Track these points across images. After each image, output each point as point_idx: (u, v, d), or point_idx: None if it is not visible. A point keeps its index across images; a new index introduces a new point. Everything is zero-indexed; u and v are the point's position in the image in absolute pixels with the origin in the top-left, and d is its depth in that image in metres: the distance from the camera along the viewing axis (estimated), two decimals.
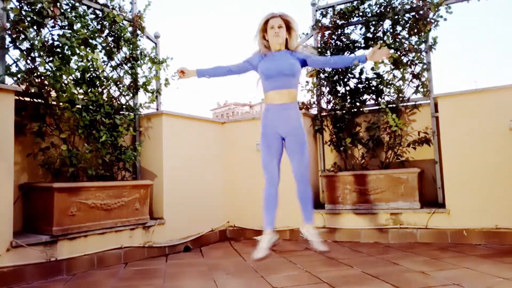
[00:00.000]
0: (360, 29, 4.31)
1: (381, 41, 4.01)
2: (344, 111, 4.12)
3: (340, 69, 4.22)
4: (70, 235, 2.96)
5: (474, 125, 3.50)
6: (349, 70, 4.23)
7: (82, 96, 3.32)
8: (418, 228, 3.63)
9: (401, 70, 4.01)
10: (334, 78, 4.29)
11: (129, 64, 3.78)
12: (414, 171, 3.66)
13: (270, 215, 2.75)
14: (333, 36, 4.36)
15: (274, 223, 2.75)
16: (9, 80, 2.96)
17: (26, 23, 2.95)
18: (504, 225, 3.32)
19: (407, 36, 4.04)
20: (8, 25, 2.93)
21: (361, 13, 4.27)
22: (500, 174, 3.37)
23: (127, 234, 3.39)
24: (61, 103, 3.05)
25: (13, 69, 2.96)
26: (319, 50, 4.35)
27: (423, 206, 3.71)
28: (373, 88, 4.14)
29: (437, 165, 3.83)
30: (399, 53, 3.99)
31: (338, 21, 4.36)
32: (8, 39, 2.94)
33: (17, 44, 2.95)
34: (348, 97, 4.25)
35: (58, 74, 3.02)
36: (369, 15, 4.21)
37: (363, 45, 4.24)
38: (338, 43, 4.35)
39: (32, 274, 2.75)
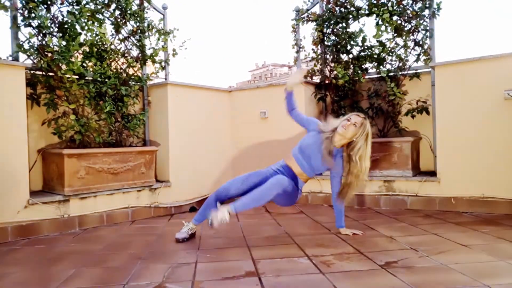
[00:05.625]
0: None
1: (380, 12, 3.96)
2: (345, 80, 4.17)
3: (343, 37, 4.23)
4: (81, 195, 3.35)
5: (469, 94, 3.47)
6: (353, 37, 4.22)
7: (90, 69, 3.60)
8: (409, 195, 3.73)
9: (404, 37, 3.97)
10: (338, 46, 4.30)
11: (136, 37, 4.00)
12: (407, 139, 3.72)
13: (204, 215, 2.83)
14: (338, 3, 4.33)
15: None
16: (22, 56, 3.28)
17: (36, 2, 3.22)
18: (491, 195, 3.36)
19: (411, 2, 3.96)
20: (19, 4, 3.22)
21: None
22: (491, 143, 3.37)
23: (134, 195, 3.74)
24: (68, 76, 3.34)
25: (26, 46, 3.27)
26: (324, 17, 4.35)
27: (416, 174, 3.79)
28: (375, 56, 4.13)
29: (435, 134, 3.85)
30: (401, 20, 3.94)
31: None
32: (20, 18, 3.24)
33: (29, 22, 3.23)
34: (351, 65, 4.27)
35: (66, 50, 3.29)
36: None
37: (367, 12, 4.19)
38: (343, 10, 4.32)
39: (48, 228, 3.18)
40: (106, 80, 3.61)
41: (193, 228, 2.91)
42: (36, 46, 3.25)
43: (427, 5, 3.87)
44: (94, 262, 2.38)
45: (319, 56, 4.46)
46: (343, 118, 2.83)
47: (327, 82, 4.42)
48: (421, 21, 3.90)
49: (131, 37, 3.95)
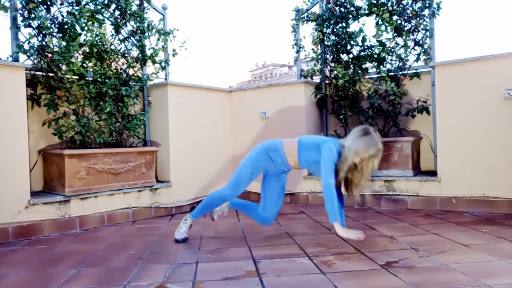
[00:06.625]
0: None
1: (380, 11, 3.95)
2: (345, 80, 4.16)
3: (342, 37, 4.23)
4: (81, 196, 3.35)
5: (469, 94, 3.47)
6: (353, 37, 4.23)
7: (90, 70, 3.60)
8: (410, 195, 3.73)
9: (404, 37, 3.98)
10: (338, 46, 4.30)
11: (136, 37, 3.99)
12: (407, 139, 3.72)
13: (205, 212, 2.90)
14: (338, 2, 4.33)
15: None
16: (22, 57, 3.28)
17: (35, 3, 3.22)
18: (492, 194, 3.36)
19: (411, 1, 3.96)
20: (19, 5, 3.22)
21: None
22: (492, 143, 3.37)
23: (135, 196, 3.74)
24: (68, 77, 3.34)
25: (26, 46, 3.26)
26: (324, 17, 4.35)
27: (416, 174, 3.79)
28: (375, 56, 4.13)
29: (436, 134, 3.85)
30: (401, 19, 3.95)
31: None
32: (20, 18, 3.23)
33: (28, 23, 3.23)
34: (351, 65, 4.27)
35: (66, 50, 3.28)
36: None
37: (367, 12, 4.19)
38: (342, 9, 4.32)
39: (49, 228, 3.18)
40: (106, 80, 3.62)
41: (191, 225, 2.91)
42: (36, 46, 3.26)
43: (427, 5, 3.88)
44: (94, 262, 2.38)
45: (319, 56, 4.46)
46: (369, 144, 2.51)
47: (327, 82, 4.42)
48: (421, 21, 3.91)
49: (131, 38, 3.95)
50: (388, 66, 4.09)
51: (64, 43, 3.28)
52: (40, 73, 3.29)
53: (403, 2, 3.97)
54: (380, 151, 2.56)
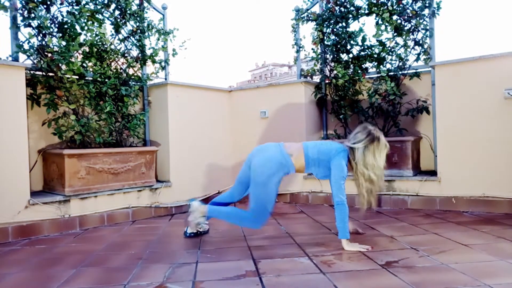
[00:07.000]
0: None
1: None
2: (345, 79, 4.16)
3: (342, 36, 4.23)
4: (81, 195, 3.34)
5: (469, 93, 3.47)
6: (352, 37, 4.23)
7: (90, 69, 3.60)
8: (410, 195, 3.73)
9: (403, 37, 3.98)
10: (338, 46, 4.30)
11: (136, 37, 3.99)
12: (408, 139, 3.72)
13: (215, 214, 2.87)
14: (338, 2, 4.33)
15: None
16: (22, 57, 3.28)
17: (35, 2, 3.21)
18: (492, 194, 3.36)
19: (411, 1, 3.96)
20: (19, 4, 3.21)
21: None
22: (492, 142, 3.37)
23: (135, 195, 3.74)
24: (68, 76, 3.33)
25: (26, 46, 3.26)
26: (324, 16, 4.35)
27: (416, 174, 3.79)
28: (375, 55, 4.13)
29: (435, 134, 3.85)
30: (401, 19, 3.95)
31: None
32: (19, 18, 3.23)
33: (28, 22, 3.23)
34: (351, 64, 4.27)
35: (65, 50, 3.28)
36: None
37: (367, 11, 4.19)
38: (342, 9, 4.32)
39: (49, 228, 3.18)
40: (106, 80, 3.61)
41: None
42: (36, 46, 3.26)
43: (427, 5, 3.88)
44: (94, 262, 2.38)
45: (319, 56, 4.46)
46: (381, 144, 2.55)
47: (327, 81, 4.42)
48: (421, 21, 3.91)
49: (131, 37, 3.95)
50: (388, 65, 4.09)
51: (64, 43, 3.28)
52: (40, 72, 3.29)
53: (403, 1, 3.97)
54: (387, 147, 2.57)
